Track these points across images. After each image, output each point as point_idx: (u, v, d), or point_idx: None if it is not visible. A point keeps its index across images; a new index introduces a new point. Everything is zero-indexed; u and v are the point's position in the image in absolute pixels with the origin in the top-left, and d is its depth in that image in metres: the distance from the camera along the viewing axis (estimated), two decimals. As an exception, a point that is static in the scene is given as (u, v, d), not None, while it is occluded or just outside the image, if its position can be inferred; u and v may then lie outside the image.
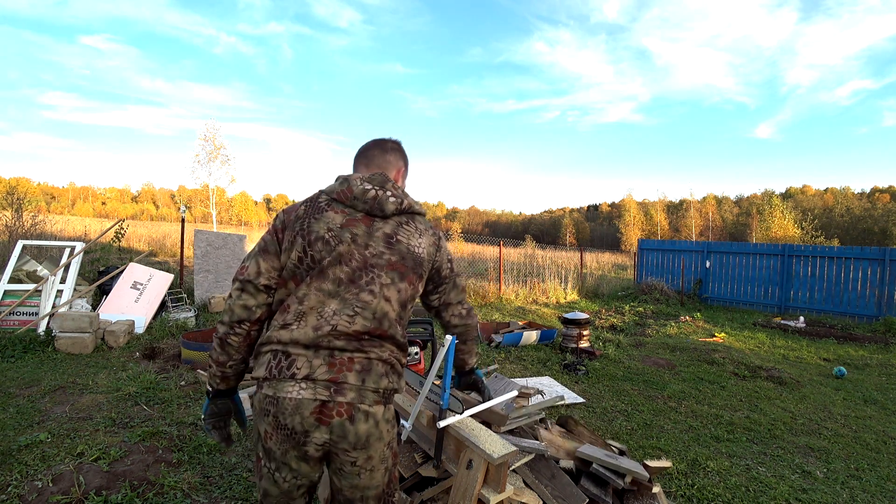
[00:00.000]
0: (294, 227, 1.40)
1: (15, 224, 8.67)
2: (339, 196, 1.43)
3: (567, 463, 2.30)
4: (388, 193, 1.44)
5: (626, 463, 2.29)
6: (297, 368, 1.29)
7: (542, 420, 2.61)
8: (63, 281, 5.86)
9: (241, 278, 1.40)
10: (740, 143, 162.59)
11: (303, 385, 1.28)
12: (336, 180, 1.48)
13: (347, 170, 1.62)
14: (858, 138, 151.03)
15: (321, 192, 1.48)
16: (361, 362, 1.33)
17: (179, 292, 6.73)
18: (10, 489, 2.47)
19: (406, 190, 1.60)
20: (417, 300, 1.55)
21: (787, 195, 66.22)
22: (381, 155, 1.57)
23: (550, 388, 4.63)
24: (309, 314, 1.33)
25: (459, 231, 45.32)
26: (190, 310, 6.36)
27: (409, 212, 1.48)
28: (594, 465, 2.24)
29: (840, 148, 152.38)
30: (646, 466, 2.38)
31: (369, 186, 1.43)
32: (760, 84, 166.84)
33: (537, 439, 2.36)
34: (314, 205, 1.44)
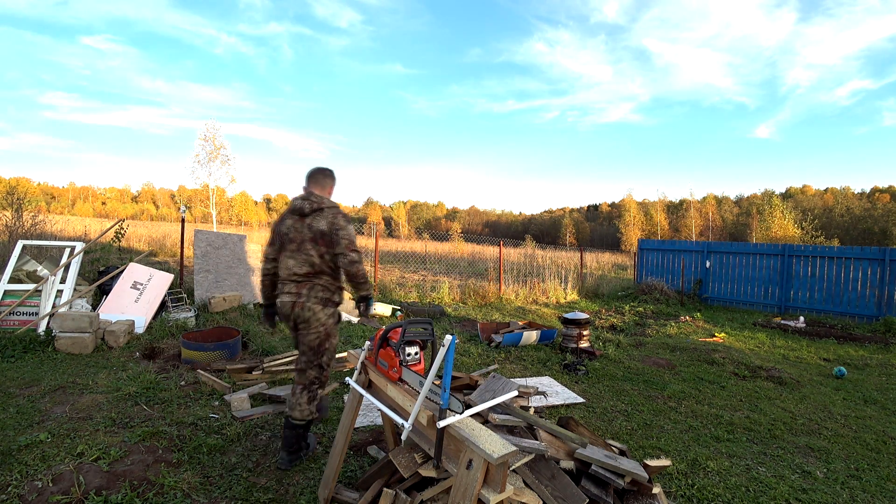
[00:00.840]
0: (275, 228, 3.03)
1: (15, 224, 8.67)
2: (290, 208, 2.98)
3: (567, 463, 2.30)
4: (307, 203, 2.91)
5: (626, 463, 2.29)
6: (284, 289, 2.92)
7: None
8: (63, 281, 5.86)
9: (263, 256, 3.09)
10: (740, 143, 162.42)
11: (285, 296, 2.90)
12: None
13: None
14: (858, 138, 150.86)
15: (287, 206, 3.02)
16: (307, 285, 2.88)
17: (179, 292, 6.73)
18: (10, 489, 2.47)
19: (327, 195, 3.02)
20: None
21: (787, 195, 66.22)
22: (318, 178, 3.04)
23: (550, 388, 4.63)
24: (283, 267, 2.93)
25: (459, 231, 45.33)
26: (190, 310, 6.36)
27: (319, 209, 2.90)
28: (593, 466, 2.24)
29: (840, 148, 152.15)
30: (645, 466, 2.39)
31: (299, 201, 2.94)
32: (760, 84, 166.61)
33: (537, 439, 2.36)
34: (282, 215, 3.03)
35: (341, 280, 3.00)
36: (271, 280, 3.04)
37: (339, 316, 3.05)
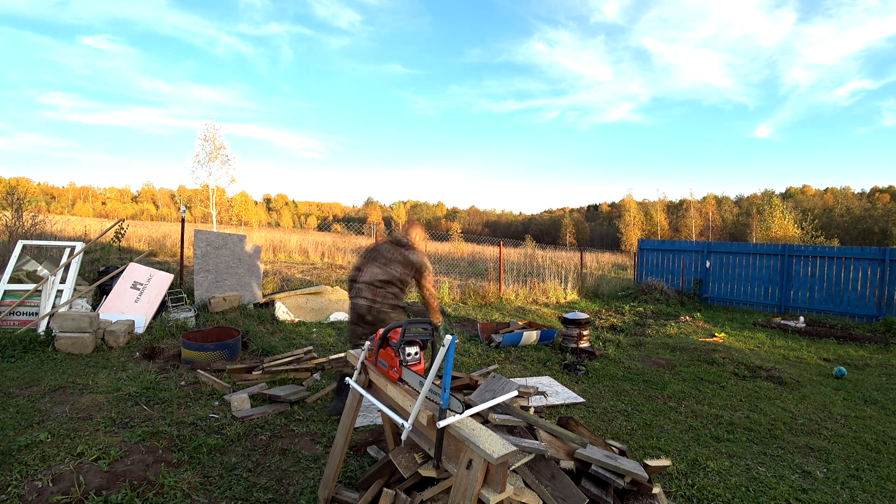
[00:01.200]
0: (366, 253, 3.94)
1: (15, 224, 8.66)
2: (389, 240, 3.94)
3: (567, 463, 2.30)
4: (399, 238, 3.93)
5: (626, 463, 2.29)
6: (360, 293, 3.72)
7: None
8: (63, 281, 5.86)
9: (353, 266, 3.95)
10: (740, 143, 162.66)
11: (361, 300, 3.69)
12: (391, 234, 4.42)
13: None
14: (858, 138, 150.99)
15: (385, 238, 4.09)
16: (381, 292, 3.69)
17: (179, 292, 6.73)
18: (10, 489, 2.47)
19: (411, 238, 3.93)
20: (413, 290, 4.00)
21: (787, 195, 66.21)
22: (412, 225, 4.07)
23: (550, 388, 4.63)
24: (366, 274, 3.77)
25: (459, 231, 45.31)
26: (190, 310, 6.36)
27: (401, 245, 3.86)
28: (593, 467, 2.24)
29: (840, 148, 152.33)
30: (645, 466, 2.39)
31: (393, 237, 4.03)
32: (760, 84, 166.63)
33: (537, 439, 2.36)
34: (377, 243, 3.98)
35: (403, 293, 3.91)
36: (353, 283, 3.86)
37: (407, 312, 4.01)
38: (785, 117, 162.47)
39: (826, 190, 73.25)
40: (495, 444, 1.64)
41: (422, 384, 1.94)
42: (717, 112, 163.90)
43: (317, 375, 4.53)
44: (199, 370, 4.39)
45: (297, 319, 6.96)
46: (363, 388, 2.35)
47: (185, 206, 8.17)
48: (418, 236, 4.01)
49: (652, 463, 2.44)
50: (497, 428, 2.34)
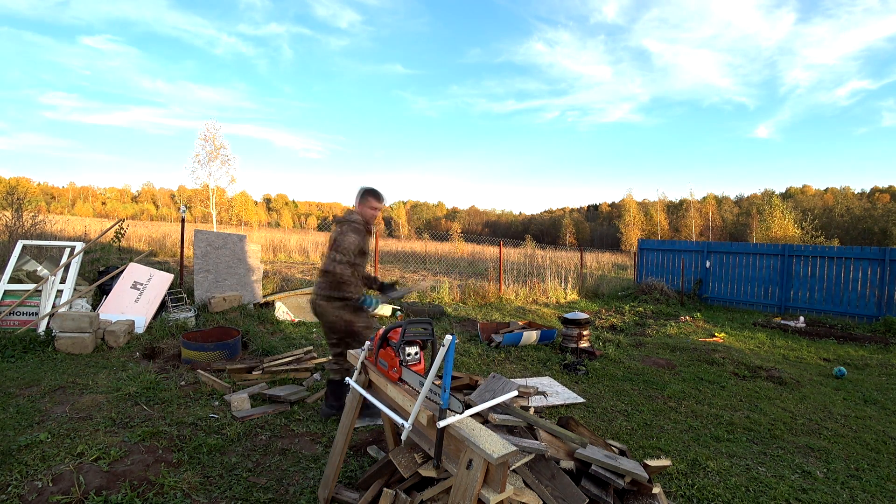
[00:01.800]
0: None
1: (15, 224, 8.67)
2: None
3: (568, 463, 2.30)
4: (339, 216, 3.52)
5: (626, 464, 2.29)
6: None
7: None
8: (63, 281, 5.86)
9: None
10: (740, 143, 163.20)
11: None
12: None
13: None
14: (858, 138, 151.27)
15: None
16: (318, 282, 3.43)
17: (179, 292, 6.72)
18: (10, 489, 2.47)
19: (359, 208, 3.54)
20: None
21: (787, 195, 66.18)
22: (358, 195, 3.61)
23: (550, 388, 4.63)
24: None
25: (459, 231, 45.29)
26: (190, 310, 6.36)
27: (342, 220, 3.44)
28: (593, 467, 2.24)
29: (840, 148, 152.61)
30: (645, 466, 2.38)
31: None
32: (759, 84, 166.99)
33: (537, 439, 2.36)
34: None
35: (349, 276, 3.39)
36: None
37: (354, 307, 3.45)
38: (785, 117, 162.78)
39: (826, 190, 73.24)
40: (495, 444, 1.64)
41: (422, 384, 1.94)
42: (717, 112, 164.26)
43: (317, 375, 4.53)
44: (199, 370, 4.38)
45: (297, 319, 6.96)
46: (363, 387, 2.35)
47: (185, 206, 8.17)
48: (367, 207, 3.54)
49: (652, 463, 2.44)
50: (497, 428, 2.34)
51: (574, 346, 6.10)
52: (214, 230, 11.41)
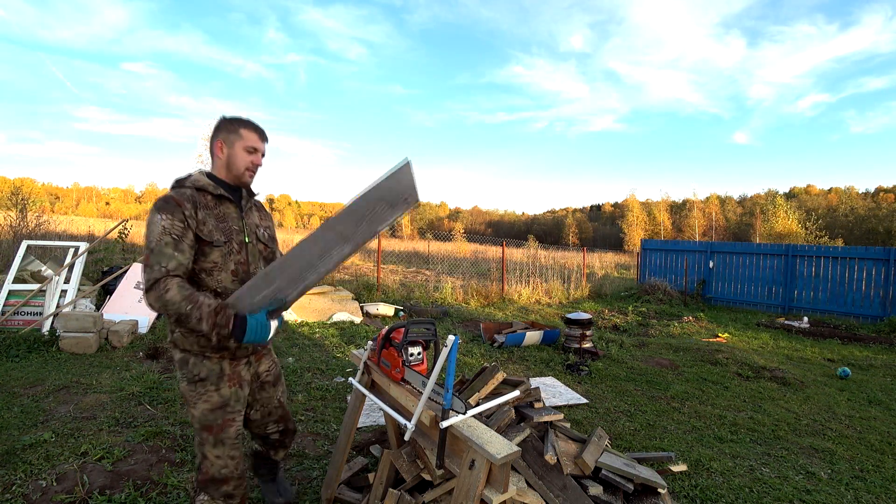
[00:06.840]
0: None
1: (19, 224, 8.71)
2: None
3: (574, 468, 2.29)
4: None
5: (644, 472, 2.28)
6: None
7: (551, 424, 2.61)
8: (67, 281, 5.88)
9: None
10: (722, 149, 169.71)
11: None
12: None
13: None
14: (859, 138, 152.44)
15: None
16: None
17: (183, 292, 6.74)
18: (14, 488, 2.48)
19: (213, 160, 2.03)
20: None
21: (790, 195, 65.95)
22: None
23: (553, 389, 4.62)
24: None
25: (462, 231, 45.25)
26: (193, 310, 6.38)
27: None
28: (604, 472, 2.24)
29: (841, 148, 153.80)
30: (664, 472, 2.37)
31: None
32: (728, 98, 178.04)
33: (549, 444, 2.36)
34: None
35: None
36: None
37: (202, 369, 1.87)
38: (758, 125, 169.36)
39: (830, 190, 72.87)
40: (498, 444, 1.64)
41: (424, 384, 1.94)
42: (695, 122, 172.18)
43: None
44: (202, 370, 4.40)
45: (299, 319, 6.97)
46: (366, 388, 2.35)
47: (189, 207, 8.18)
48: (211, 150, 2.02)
49: (675, 468, 2.42)
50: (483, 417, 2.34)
51: (577, 346, 6.09)
52: (217, 230, 11.41)
